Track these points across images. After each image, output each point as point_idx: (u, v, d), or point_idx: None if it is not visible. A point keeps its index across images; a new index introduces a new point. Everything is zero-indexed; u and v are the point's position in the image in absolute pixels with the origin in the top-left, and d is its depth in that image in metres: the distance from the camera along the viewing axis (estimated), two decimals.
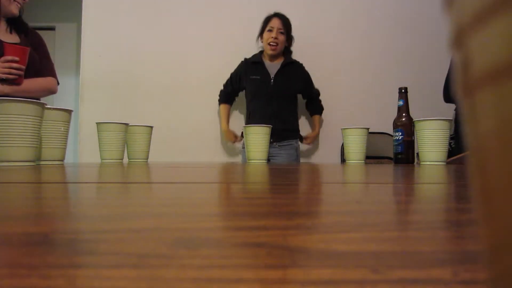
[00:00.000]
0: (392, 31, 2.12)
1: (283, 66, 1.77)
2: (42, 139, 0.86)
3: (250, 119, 1.79)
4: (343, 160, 1.34)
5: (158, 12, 2.07)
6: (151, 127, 1.23)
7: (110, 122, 1.08)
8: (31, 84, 1.31)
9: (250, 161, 1.16)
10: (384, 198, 0.27)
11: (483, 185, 0.07)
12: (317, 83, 1.93)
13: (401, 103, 1.15)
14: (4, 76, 1.18)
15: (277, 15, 1.76)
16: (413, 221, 0.18)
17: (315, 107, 1.97)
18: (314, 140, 1.97)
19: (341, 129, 1.19)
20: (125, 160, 1.17)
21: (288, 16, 1.78)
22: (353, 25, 2.13)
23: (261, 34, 1.79)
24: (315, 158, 2.09)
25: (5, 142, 0.72)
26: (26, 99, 0.74)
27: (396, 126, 1.15)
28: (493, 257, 0.06)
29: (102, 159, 1.09)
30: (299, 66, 1.85)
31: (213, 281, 0.09)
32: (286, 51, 1.84)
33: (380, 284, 0.09)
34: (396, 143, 1.15)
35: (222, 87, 1.91)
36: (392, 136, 1.21)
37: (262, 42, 1.81)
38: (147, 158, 1.22)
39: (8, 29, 1.32)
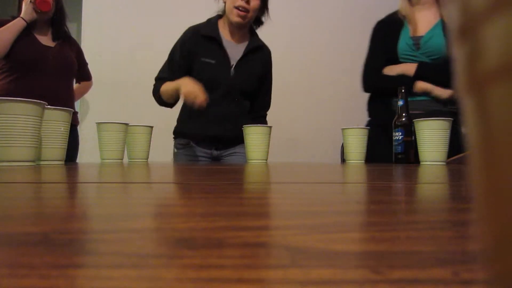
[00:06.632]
0: None
1: (249, 49, 1.23)
2: (42, 139, 0.86)
3: (190, 120, 1.26)
4: (343, 160, 1.34)
5: (158, 11, 2.07)
6: (151, 127, 1.23)
7: (110, 122, 1.08)
8: (78, 93, 1.71)
9: (250, 161, 1.16)
10: (383, 198, 0.27)
11: (491, 182, 0.06)
12: (317, 82, 1.92)
13: (401, 103, 1.15)
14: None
15: None
16: (413, 221, 0.18)
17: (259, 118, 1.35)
18: None
19: (341, 129, 1.19)
20: (125, 160, 1.17)
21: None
22: (353, 24, 2.13)
23: None
24: (315, 158, 2.09)
25: (5, 142, 0.72)
26: (26, 99, 0.74)
27: (396, 126, 1.15)
28: (497, 256, 0.06)
29: (102, 159, 1.09)
30: (266, 54, 1.30)
31: (213, 281, 0.09)
32: (251, 28, 1.27)
33: (380, 284, 0.09)
34: (396, 143, 1.15)
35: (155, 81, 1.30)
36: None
37: (224, 1, 1.22)
38: (147, 158, 1.22)
39: (50, 33, 1.50)
